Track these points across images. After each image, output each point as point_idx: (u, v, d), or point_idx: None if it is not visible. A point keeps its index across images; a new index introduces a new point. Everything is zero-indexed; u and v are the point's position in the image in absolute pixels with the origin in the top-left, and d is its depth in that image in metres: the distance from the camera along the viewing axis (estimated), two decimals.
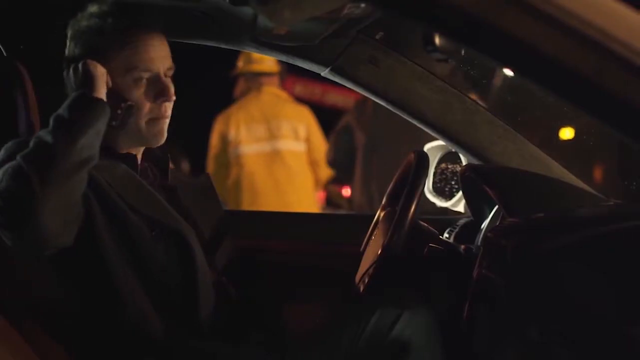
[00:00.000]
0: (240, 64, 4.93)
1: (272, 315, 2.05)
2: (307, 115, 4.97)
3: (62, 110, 1.71)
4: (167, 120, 1.93)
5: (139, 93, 1.87)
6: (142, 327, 1.78)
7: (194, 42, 2.36)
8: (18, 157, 1.64)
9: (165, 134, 1.93)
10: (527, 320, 1.50)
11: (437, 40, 1.85)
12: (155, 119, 1.90)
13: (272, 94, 4.92)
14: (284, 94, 5.06)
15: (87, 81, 1.78)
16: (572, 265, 1.47)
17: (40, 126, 1.99)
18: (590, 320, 1.37)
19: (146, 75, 1.88)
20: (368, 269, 2.04)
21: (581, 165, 2.52)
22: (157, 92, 1.89)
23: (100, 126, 1.72)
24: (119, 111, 1.84)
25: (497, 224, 2.02)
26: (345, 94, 8.10)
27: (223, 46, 2.36)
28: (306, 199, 4.92)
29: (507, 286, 1.62)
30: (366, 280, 2.02)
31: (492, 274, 1.70)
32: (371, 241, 2.22)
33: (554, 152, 2.40)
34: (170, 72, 1.92)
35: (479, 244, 2.11)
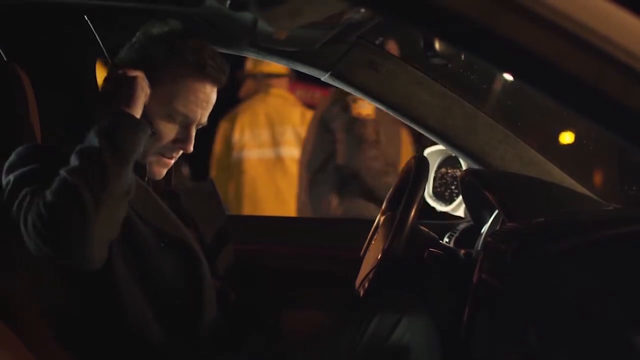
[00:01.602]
0: (249, 65, 4.88)
1: (271, 320, 2.05)
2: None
3: (110, 128, 1.67)
4: (172, 164, 1.91)
5: (162, 128, 1.84)
6: (143, 334, 1.78)
7: None
8: (66, 174, 1.61)
9: (164, 174, 1.91)
10: (527, 325, 1.50)
11: (437, 45, 1.86)
12: (163, 157, 1.88)
13: (280, 97, 4.85)
14: (291, 97, 4.99)
15: (131, 96, 1.74)
16: (572, 269, 1.47)
17: (39, 130, 1.99)
18: (590, 324, 1.37)
19: (180, 118, 1.84)
20: (368, 274, 2.04)
21: (581, 169, 2.52)
22: (179, 137, 1.86)
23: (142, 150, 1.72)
24: None
25: (497, 228, 2.02)
26: None
27: (223, 51, 2.36)
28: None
29: (507, 291, 1.62)
30: (366, 285, 2.02)
31: (492, 279, 1.70)
32: (371, 246, 2.22)
33: (554, 157, 2.41)
34: (200, 126, 1.89)
35: (479, 248, 2.11)
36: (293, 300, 2.32)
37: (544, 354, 1.44)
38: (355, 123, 4.14)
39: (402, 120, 2.42)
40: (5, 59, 2.18)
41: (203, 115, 1.87)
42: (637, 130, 1.06)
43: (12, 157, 1.75)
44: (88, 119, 1.77)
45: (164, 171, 1.91)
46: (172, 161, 1.90)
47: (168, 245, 1.81)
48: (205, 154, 4.98)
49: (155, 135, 1.82)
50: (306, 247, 2.58)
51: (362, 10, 1.98)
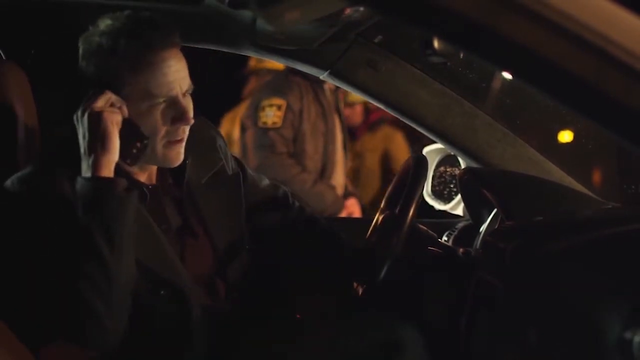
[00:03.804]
0: (252, 61, 4.80)
1: (268, 318, 2.04)
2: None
3: (98, 212, 1.66)
4: (184, 143, 1.82)
5: (155, 119, 1.76)
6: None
7: (193, 46, 2.36)
8: (71, 275, 1.64)
9: (182, 156, 1.83)
10: (526, 324, 1.50)
11: (435, 44, 1.86)
12: (172, 142, 1.80)
13: None
14: None
15: (104, 137, 1.69)
16: (571, 268, 1.47)
17: (39, 132, 1.99)
18: (588, 324, 1.38)
19: (163, 100, 1.76)
20: (366, 273, 2.03)
21: (580, 168, 2.52)
22: (175, 116, 1.78)
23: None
24: (134, 150, 1.74)
25: (496, 227, 2.02)
26: None
27: (223, 50, 2.36)
28: None
29: (505, 289, 1.62)
30: (364, 284, 2.02)
31: (491, 277, 1.70)
32: (370, 244, 2.21)
33: (553, 156, 2.41)
34: (189, 92, 1.81)
35: (478, 247, 2.11)
36: (291, 300, 2.31)
37: (543, 353, 1.44)
38: (264, 134, 3.98)
39: (401, 119, 2.42)
40: (4, 58, 2.18)
41: (183, 83, 1.78)
42: (638, 129, 1.06)
43: (7, 187, 1.74)
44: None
45: (181, 154, 1.83)
46: (183, 141, 1.82)
47: (158, 285, 1.79)
48: None
49: (149, 141, 1.76)
50: None
51: (361, 9, 1.98)
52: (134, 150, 1.75)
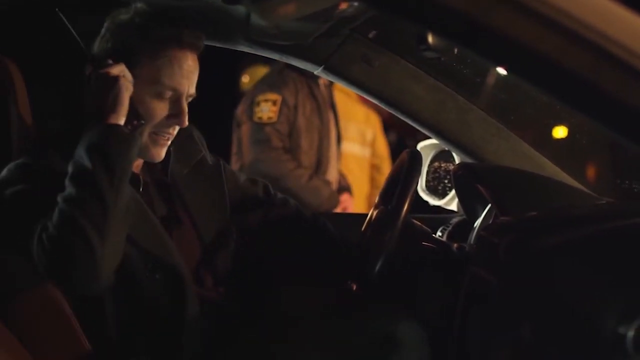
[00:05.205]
0: None
1: (263, 315, 2.04)
2: (375, 119, 4.74)
3: (101, 147, 1.67)
4: (169, 143, 1.88)
5: (154, 107, 1.82)
6: (127, 347, 1.77)
7: None
8: (64, 205, 1.64)
9: (164, 154, 1.88)
10: (520, 319, 1.50)
11: (430, 39, 1.86)
12: (159, 135, 1.85)
13: (344, 93, 4.53)
14: (354, 94, 4.59)
15: (115, 99, 1.73)
16: (565, 263, 1.47)
17: (33, 127, 1.98)
18: (582, 319, 1.38)
19: (169, 93, 1.83)
20: (361, 268, 2.03)
21: (574, 163, 2.52)
22: (172, 112, 1.84)
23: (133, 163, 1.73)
24: (129, 127, 1.78)
25: (490, 222, 2.02)
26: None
27: (217, 45, 2.35)
28: (360, 205, 4.64)
29: (500, 285, 1.62)
30: (359, 279, 2.02)
31: (485, 273, 1.70)
32: (364, 240, 2.21)
33: (547, 151, 2.41)
34: (190, 99, 1.87)
35: (472, 242, 2.11)
36: (287, 295, 2.31)
37: (538, 348, 1.44)
38: (259, 129, 3.98)
39: (396, 114, 2.41)
40: None
41: (191, 86, 1.86)
42: (634, 126, 1.06)
43: (4, 174, 1.75)
44: (81, 114, 1.76)
45: (163, 151, 1.88)
46: (169, 140, 1.87)
47: (154, 269, 1.80)
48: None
49: (145, 122, 1.80)
50: None
51: (356, 4, 1.98)
52: (128, 127, 1.78)
